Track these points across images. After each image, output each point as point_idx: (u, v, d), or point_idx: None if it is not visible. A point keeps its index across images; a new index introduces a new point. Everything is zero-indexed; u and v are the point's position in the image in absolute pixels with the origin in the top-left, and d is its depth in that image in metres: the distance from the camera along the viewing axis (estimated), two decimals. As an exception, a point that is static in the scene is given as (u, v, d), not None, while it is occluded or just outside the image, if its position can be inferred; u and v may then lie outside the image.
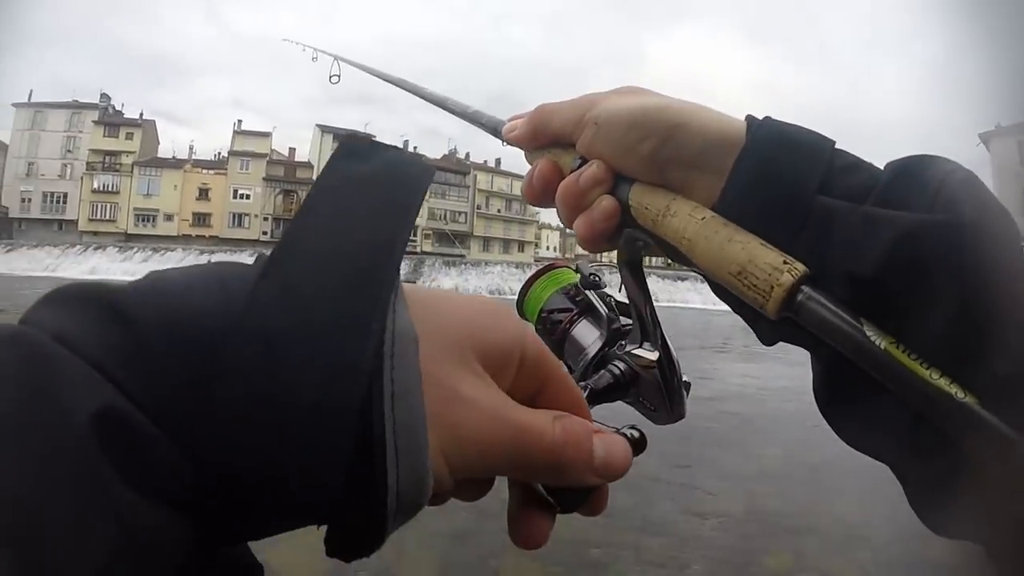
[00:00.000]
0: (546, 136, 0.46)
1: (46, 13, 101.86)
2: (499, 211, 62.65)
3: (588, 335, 0.48)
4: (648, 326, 0.45)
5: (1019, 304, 0.30)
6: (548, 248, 75.92)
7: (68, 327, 0.21)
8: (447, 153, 64.94)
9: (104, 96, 58.33)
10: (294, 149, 60.46)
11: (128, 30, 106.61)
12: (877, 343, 0.31)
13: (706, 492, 4.31)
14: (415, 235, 56.74)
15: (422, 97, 0.69)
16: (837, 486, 4.25)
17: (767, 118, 0.40)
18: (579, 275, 0.52)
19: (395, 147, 0.28)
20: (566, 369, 0.39)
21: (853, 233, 0.34)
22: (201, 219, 55.27)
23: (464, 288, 43.82)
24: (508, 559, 3.16)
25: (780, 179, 0.37)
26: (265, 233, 54.51)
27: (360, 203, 0.26)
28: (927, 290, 0.31)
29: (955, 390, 0.29)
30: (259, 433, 0.21)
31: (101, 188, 54.75)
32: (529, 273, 0.55)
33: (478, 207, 61.60)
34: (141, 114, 59.25)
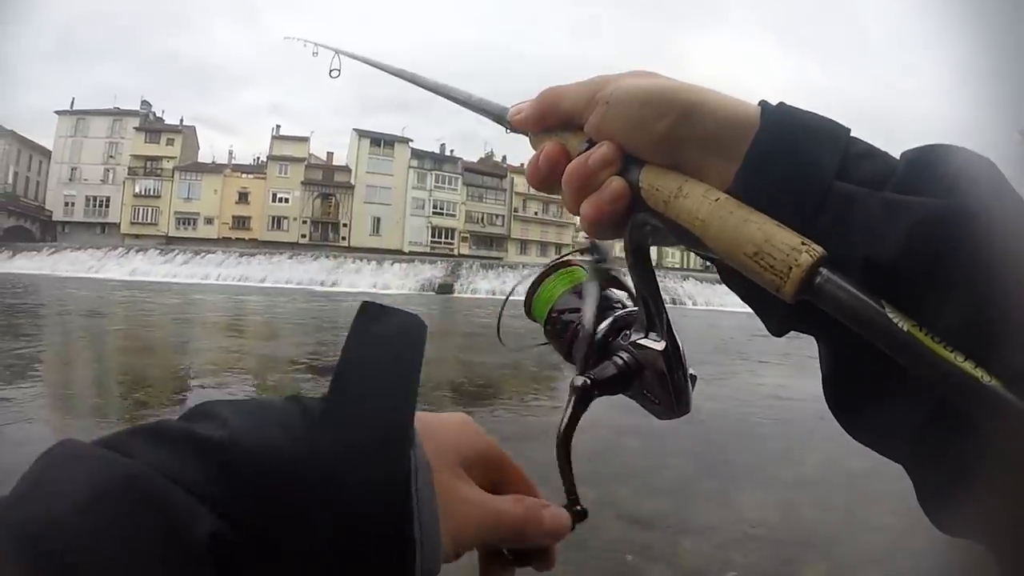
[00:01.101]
0: (554, 118, 0.45)
1: (90, 25, 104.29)
2: (536, 214, 61.79)
3: (591, 323, 0.47)
4: (654, 315, 0.44)
5: None
6: (586, 252, 74.79)
7: (173, 465, 0.27)
8: (484, 156, 64.46)
9: (145, 103, 59.00)
10: (332, 153, 60.40)
11: (169, 41, 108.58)
12: (900, 325, 0.30)
13: (743, 497, 4.20)
14: (452, 238, 56.04)
15: (422, 86, 0.66)
16: (876, 492, 3.99)
17: (781, 103, 0.39)
18: (594, 269, 0.50)
19: (400, 310, 0.36)
20: (517, 465, 0.44)
21: (872, 218, 0.34)
22: (241, 222, 55.36)
23: (501, 290, 42.95)
24: None
25: (797, 162, 0.37)
26: (304, 236, 54.42)
27: (383, 360, 0.34)
28: (946, 276, 0.31)
29: (980, 373, 0.28)
30: (327, 545, 0.29)
31: (142, 192, 55.23)
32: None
33: (515, 210, 60.84)
34: (181, 120, 59.86)
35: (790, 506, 4.12)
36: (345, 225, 55.71)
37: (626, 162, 0.41)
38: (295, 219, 55.38)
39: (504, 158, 63.86)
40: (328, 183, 56.15)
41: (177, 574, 0.25)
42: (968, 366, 0.28)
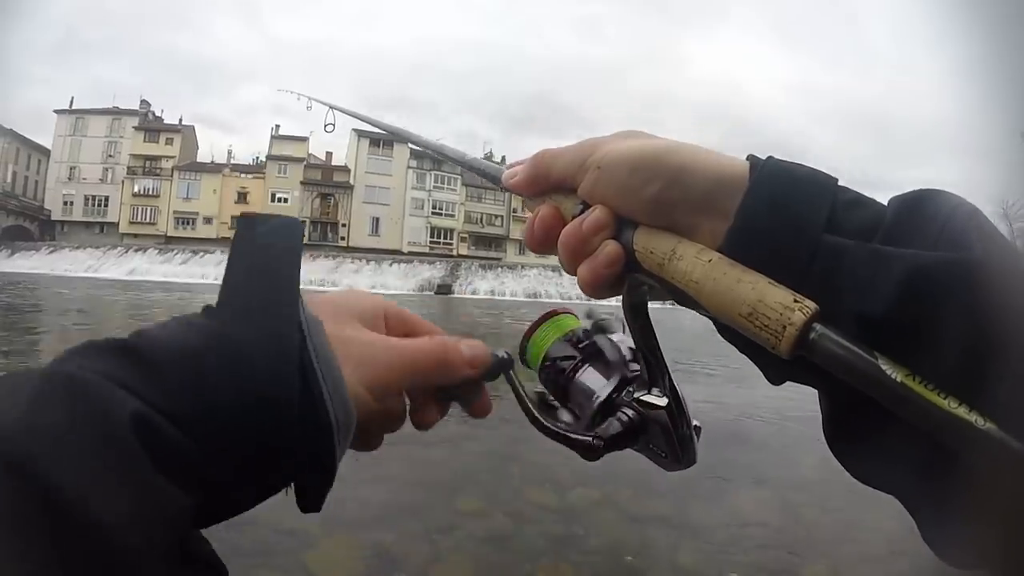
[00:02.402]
0: (547, 182, 0.46)
1: (91, 24, 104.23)
2: (536, 215, 61.73)
3: (595, 382, 0.48)
4: (656, 371, 0.45)
5: None
6: (585, 253, 74.74)
7: (96, 365, 0.29)
8: (483, 156, 64.02)
9: (144, 102, 58.96)
10: (331, 153, 60.31)
11: (169, 39, 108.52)
12: (893, 376, 0.31)
13: (743, 498, 4.21)
14: (451, 239, 56.08)
15: (419, 145, 0.68)
16: (875, 493, 3.73)
17: (770, 158, 0.40)
18: (586, 319, 0.52)
19: (276, 215, 0.38)
20: (422, 319, 0.47)
21: (863, 270, 0.34)
22: (239, 222, 55.19)
23: (500, 291, 43.57)
24: (543, 562, 3.14)
25: (786, 218, 0.37)
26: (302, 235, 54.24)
27: (264, 256, 0.35)
28: (938, 326, 0.32)
29: (975, 418, 0.29)
30: (243, 411, 0.31)
31: (141, 192, 55.19)
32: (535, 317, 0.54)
33: (514, 211, 60.72)
34: (180, 120, 59.87)
35: (790, 506, 4.12)
36: (344, 225, 55.68)
37: (620, 224, 0.42)
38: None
39: (503, 159, 63.64)
40: (327, 183, 56.13)
41: (108, 454, 0.27)
42: (963, 411, 0.29)
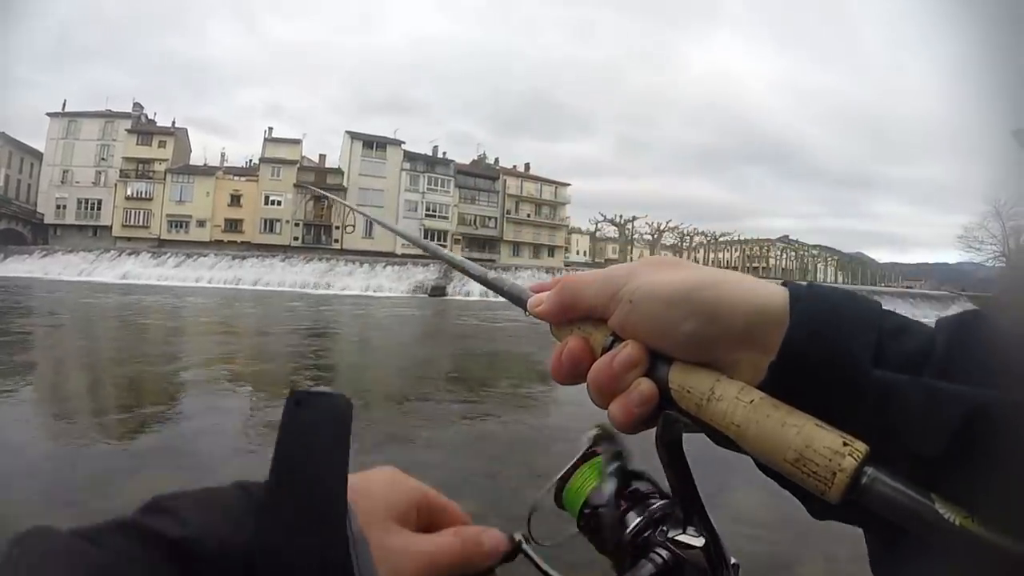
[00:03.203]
0: (575, 312, 0.45)
1: (86, 28, 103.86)
2: (528, 216, 62.07)
3: (629, 519, 0.46)
4: (691, 509, 0.43)
5: None
6: (578, 253, 75.14)
7: (137, 563, 0.30)
8: (476, 158, 64.66)
9: (137, 105, 58.97)
10: (324, 156, 60.65)
11: (163, 42, 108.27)
12: (951, 519, 0.30)
13: (741, 496, 4.19)
14: (445, 240, 56.18)
15: (442, 259, 0.65)
16: None
17: (810, 284, 0.39)
18: (622, 462, 0.48)
19: (327, 393, 0.38)
20: (449, 501, 0.46)
21: (917, 410, 0.33)
22: (233, 225, 55.40)
23: (494, 293, 43.19)
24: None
25: (832, 352, 0.36)
26: (296, 239, 54.46)
27: (314, 443, 0.36)
28: (996, 467, 0.31)
29: None
30: None
31: (134, 195, 55.19)
32: (570, 461, 0.50)
33: (508, 212, 61.07)
34: (173, 122, 59.86)
35: (788, 505, 4.22)
36: (338, 228, 55.78)
37: (653, 360, 0.41)
38: (287, 221, 55.48)
39: (496, 160, 64.12)
40: (320, 185, 56.19)
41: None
42: None
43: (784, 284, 0.39)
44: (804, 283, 0.39)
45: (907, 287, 62.07)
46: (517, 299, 0.50)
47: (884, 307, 0.37)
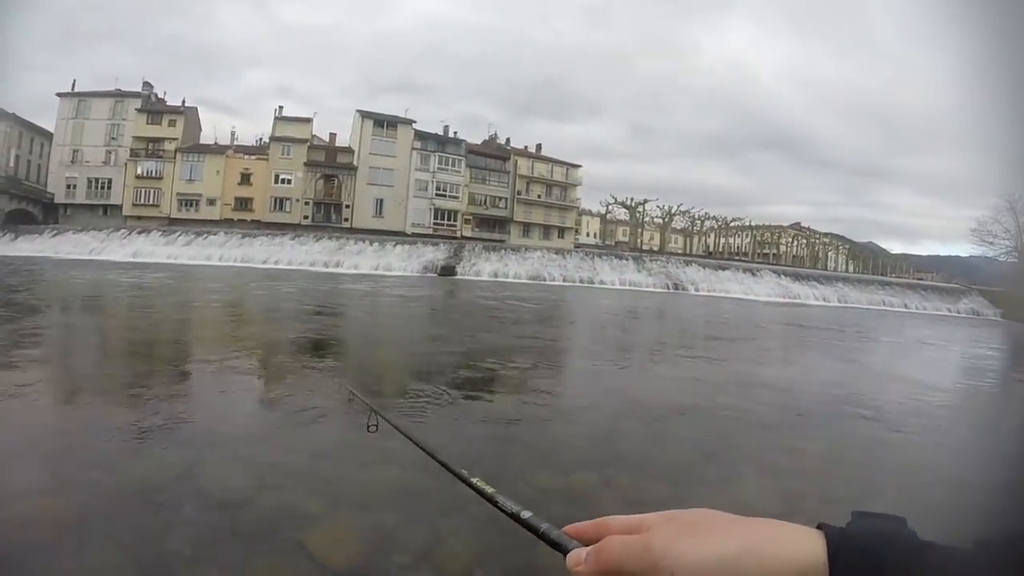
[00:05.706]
0: None
1: (95, 11, 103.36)
2: (539, 197, 61.45)
3: None
4: None
5: None
6: (588, 235, 74.59)
7: None
8: (487, 139, 63.99)
9: (147, 84, 58.52)
10: (335, 135, 59.99)
11: (173, 23, 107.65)
12: None
13: (743, 485, 4.21)
14: (455, 220, 55.82)
15: (473, 488, 0.66)
16: (877, 483, 4.26)
17: (843, 530, 0.41)
18: None
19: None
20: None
21: None
22: (243, 203, 55.13)
23: (503, 272, 43.38)
24: (543, 547, 2.77)
25: None
26: (306, 217, 54.25)
27: None
28: None
29: None
30: None
31: (145, 174, 54.99)
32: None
33: (518, 192, 60.49)
34: (183, 101, 59.37)
35: (790, 495, 4.10)
36: (348, 206, 55.52)
37: None
38: (298, 200, 55.16)
39: (508, 140, 63.46)
40: (331, 164, 55.87)
41: None
42: None
43: (819, 527, 0.41)
44: (838, 528, 0.40)
45: (918, 278, 60.98)
46: (554, 544, 0.52)
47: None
